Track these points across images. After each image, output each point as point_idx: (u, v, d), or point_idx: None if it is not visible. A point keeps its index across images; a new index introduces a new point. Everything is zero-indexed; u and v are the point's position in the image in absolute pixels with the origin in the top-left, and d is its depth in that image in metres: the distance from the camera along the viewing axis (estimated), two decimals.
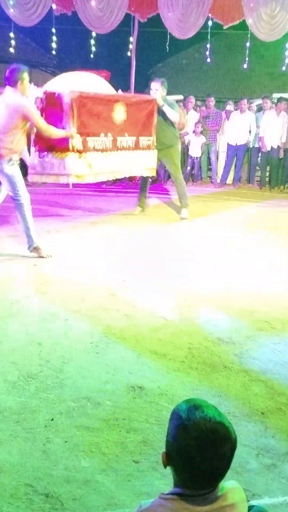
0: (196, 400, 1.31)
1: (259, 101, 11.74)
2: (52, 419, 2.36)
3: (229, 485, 1.33)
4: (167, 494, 1.29)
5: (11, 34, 10.69)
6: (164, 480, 1.99)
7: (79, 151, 5.33)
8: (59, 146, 5.25)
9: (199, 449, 1.22)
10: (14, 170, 4.71)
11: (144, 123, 6.26)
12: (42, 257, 4.87)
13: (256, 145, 10.31)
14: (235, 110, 10.48)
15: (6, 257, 4.88)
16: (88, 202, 8.09)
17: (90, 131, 5.50)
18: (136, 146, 6.20)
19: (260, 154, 10.34)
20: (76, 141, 5.27)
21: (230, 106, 10.81)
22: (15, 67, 4.71)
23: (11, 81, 4.65)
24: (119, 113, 5.92)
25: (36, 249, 4.90)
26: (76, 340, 3.18)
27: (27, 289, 4.02)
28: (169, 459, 1.27)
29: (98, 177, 5.80)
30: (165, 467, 1.29)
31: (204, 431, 1.23)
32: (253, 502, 1.81)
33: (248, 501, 1.46)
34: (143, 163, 6.40)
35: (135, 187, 8.55)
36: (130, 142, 6.11)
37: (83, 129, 5.38)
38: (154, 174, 6.84)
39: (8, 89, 4.67)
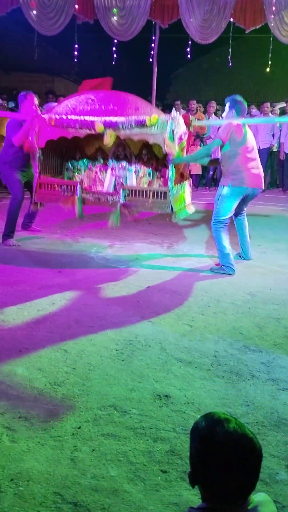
0: (214, 415, 1.28)
1: (281, 104, 11.63)
2: (79, 427, 2.37)
3: (259, 497, 1.31)
4: (197, 508, 1.27)
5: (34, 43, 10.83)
6: (192, 491, 1.97)
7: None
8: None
9: (224, 464, 1.20)
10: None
11: None
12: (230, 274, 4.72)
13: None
14: (259, 114, 10.43)
15: (32, 263, 4.93)
16: None
17: None
18: None
19: (285, 158, 10.25)
20: None
21: (255, 111, 10.73)
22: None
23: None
24: None
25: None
26: (101, 347, 3.19)
27: (53, 295, 4.06)
28: (195, 477, 1.26)
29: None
30: (192, 486, 1.27)
31: (227, 446, 1.20)
32: None
33: None
34: None
35: None
36: None
37: None
38: None
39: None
